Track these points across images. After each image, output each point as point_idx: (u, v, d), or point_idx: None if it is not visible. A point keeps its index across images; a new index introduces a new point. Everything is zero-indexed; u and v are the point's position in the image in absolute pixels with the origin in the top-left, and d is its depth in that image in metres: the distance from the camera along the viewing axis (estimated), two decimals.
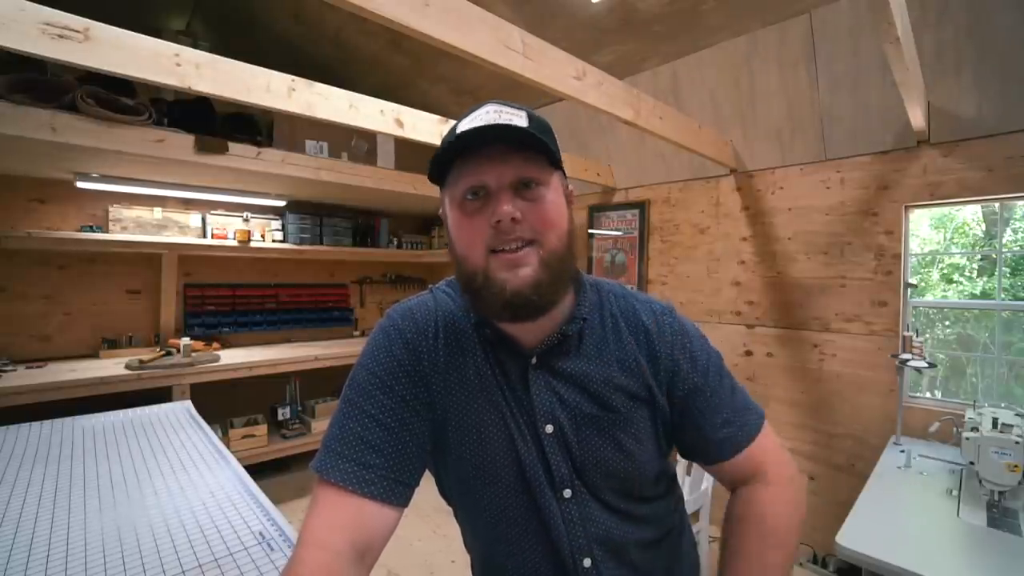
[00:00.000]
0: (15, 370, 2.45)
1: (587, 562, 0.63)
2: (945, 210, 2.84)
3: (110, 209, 2.87)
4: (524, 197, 0.58)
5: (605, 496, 0.65)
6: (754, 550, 0.63)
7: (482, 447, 0.63)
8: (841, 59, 2.04)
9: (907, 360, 1.86)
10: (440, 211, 0.67)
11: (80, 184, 2.57)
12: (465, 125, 0.58)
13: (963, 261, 3.27)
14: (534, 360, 0.65)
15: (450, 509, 0.73)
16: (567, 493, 0.63)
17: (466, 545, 0.76)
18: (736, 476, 0.70)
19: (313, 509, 0.56)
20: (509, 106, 0.60)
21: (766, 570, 0.61)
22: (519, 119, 0.58)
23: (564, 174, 0.65)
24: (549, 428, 0.64)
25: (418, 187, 3.24)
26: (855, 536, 1.27)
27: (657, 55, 2.53)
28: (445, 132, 2.21)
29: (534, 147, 0.59)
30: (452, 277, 0.73)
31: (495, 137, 0.57)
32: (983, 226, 3.18)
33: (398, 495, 0.58)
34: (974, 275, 3.23)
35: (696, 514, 1.89)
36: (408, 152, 3.40)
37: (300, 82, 1.74)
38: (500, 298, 0.58)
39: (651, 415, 0.67)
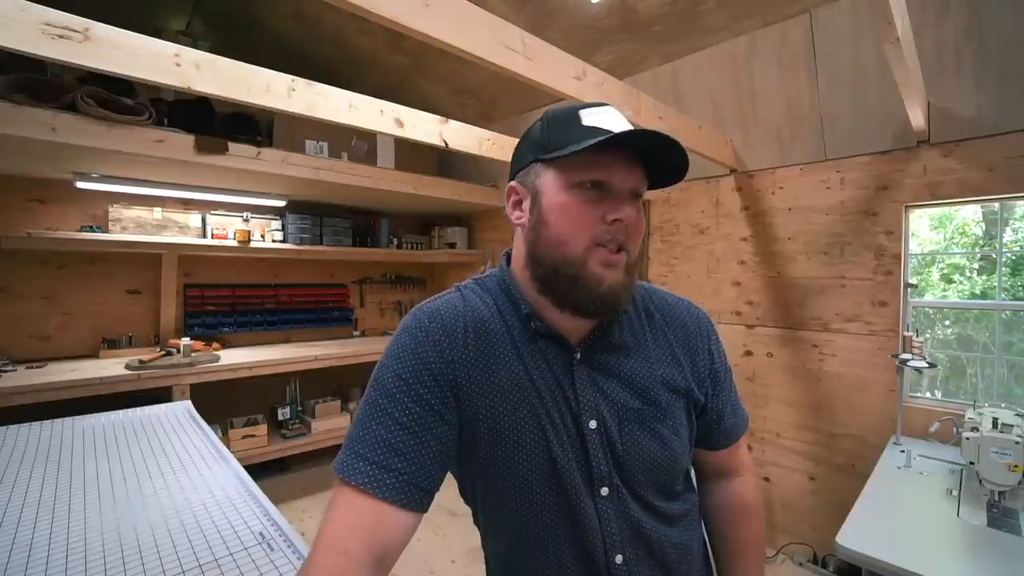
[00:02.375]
0: (15, 370, 2.45)
1: (619, 558, 0.63)
2: (945, 210, 2.84)
3: (110, 209, 2.87)
4: (631, 206, 0.62)
5: (643, 492, 0.65)
6: (759, 535, 0.78)
7: (515, 448, 0.62)
8: (841, 59, 2.04)
9: (907, 360, 1.86)
10: (518, 182, 0.66)
11: (80, 184, 2.57)
12: (608, 122, 0.60)
13: (963, 261, 3.27)
14: (578, 355, 0.66)
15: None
16: (604, 491, 0.63)
17: (485, 548, 0.74)
18: (723, 465, 0.78)
19: (331, 512, 0.56)
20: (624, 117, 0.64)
21: (762, 548, 0.79)
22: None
23: None
24: (593, 424, 0.64)
25: (418, 187, 3.24)
26: (855, 536, 1.27)
27: (657, 55, 2.53)
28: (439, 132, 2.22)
29: (666, 168, 0.63)
30: (480, 275, 0.73)
31: (660, 147, 0.59)
32: (983, 226, 3.18)
33: (418, 501, 0.58)
34: (974, 275, 3.23)
35: None
36: (408, 152, 3.41)
37: (300, 82, 1.74)
38: (595, 291, 0.60)
39: (686, 406, 0.70)
